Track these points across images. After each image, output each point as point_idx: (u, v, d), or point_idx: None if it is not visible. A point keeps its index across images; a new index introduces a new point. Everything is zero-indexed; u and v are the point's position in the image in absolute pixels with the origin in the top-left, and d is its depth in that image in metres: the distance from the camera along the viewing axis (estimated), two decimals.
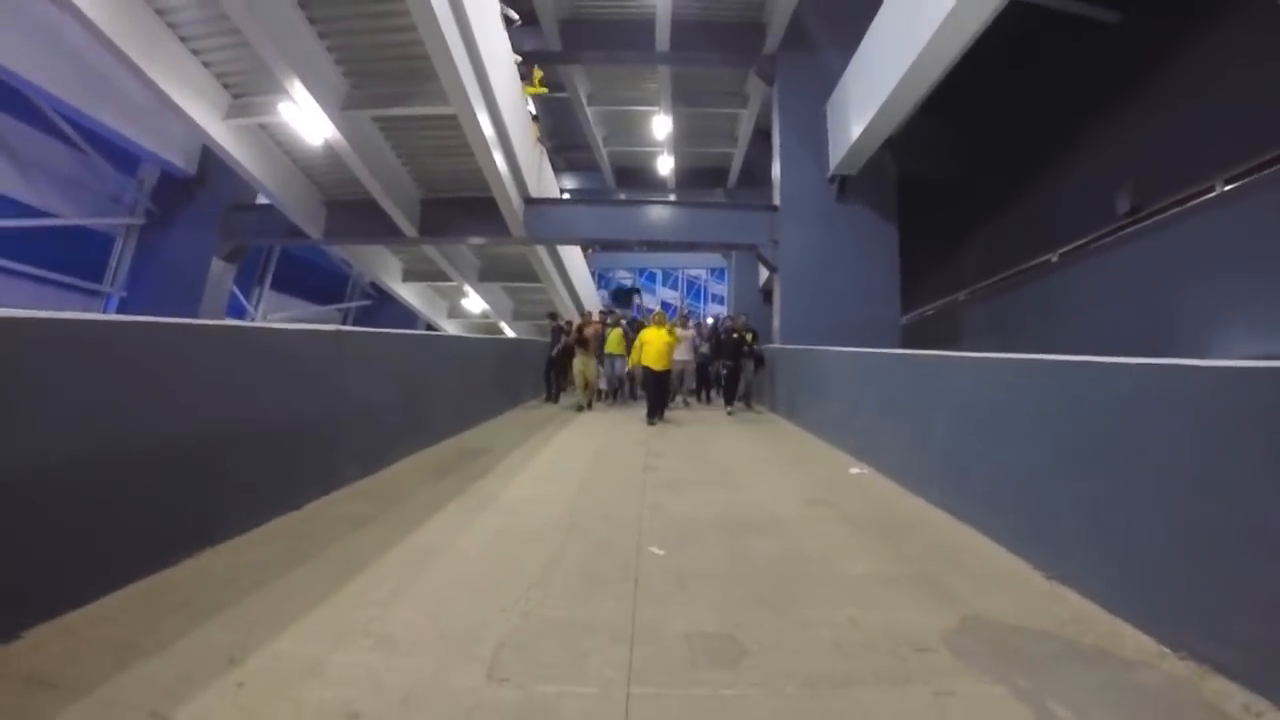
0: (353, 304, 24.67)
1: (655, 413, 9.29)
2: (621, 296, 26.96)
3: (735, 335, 11.26)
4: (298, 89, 9.56)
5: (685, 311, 19.29)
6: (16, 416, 2.27)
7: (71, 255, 15.18)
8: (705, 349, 12.72)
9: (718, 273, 39.62)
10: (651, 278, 42.44)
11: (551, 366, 11.93)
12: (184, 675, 2.07)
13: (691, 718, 2.00)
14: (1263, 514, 2.11)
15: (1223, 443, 2.31)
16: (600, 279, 33.62)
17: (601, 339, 11.51)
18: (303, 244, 17.36)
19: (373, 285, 23.47)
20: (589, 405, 10.87)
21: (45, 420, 2.38)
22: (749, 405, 11.82)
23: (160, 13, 10.00)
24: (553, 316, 13.28)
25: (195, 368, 3.18)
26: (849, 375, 7.49)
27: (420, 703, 2.02)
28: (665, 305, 44.04)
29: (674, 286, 47.07)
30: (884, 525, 4.12)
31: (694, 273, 45.69)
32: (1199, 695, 2.10)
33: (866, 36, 10.32)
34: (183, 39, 10.47)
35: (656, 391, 9.42)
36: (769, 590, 3.01)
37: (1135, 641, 2.49)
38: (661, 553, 3.48)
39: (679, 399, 11.87)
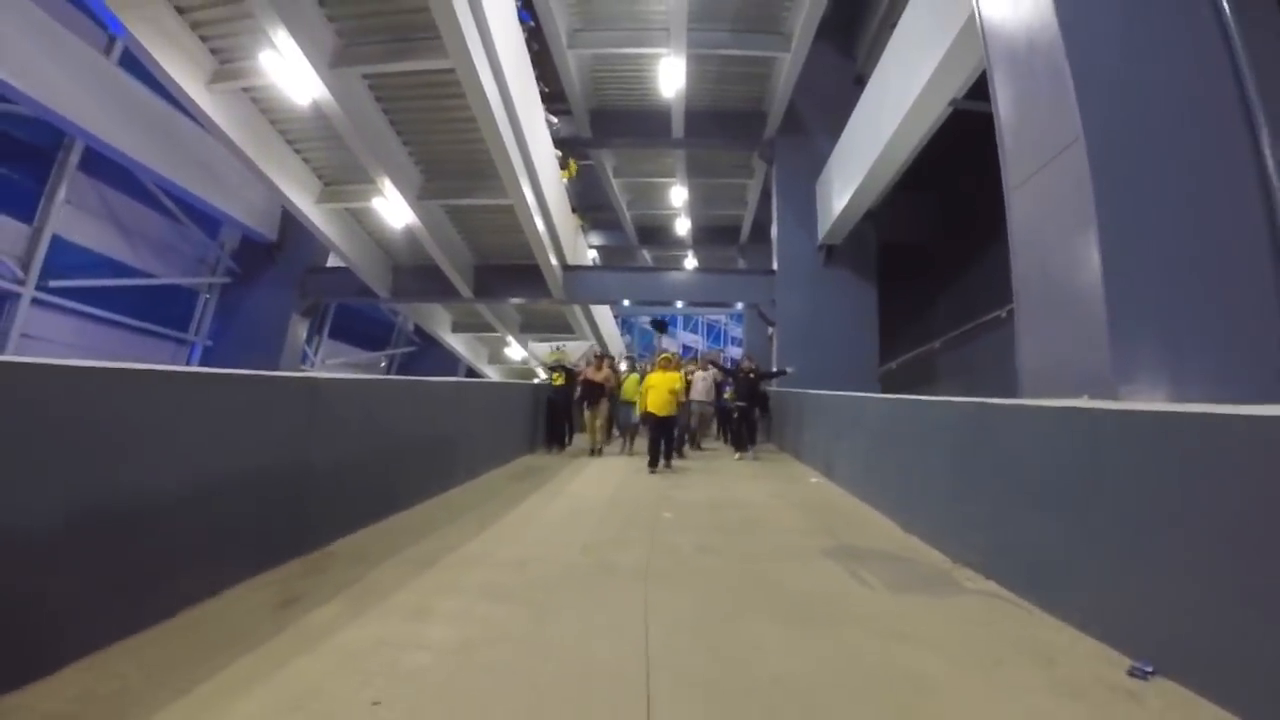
0: (398, 350, 27.21)
1: (656, 459, 8.78)
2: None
3: (751, 376, 10.91)
4: (385, 182, 12.09)
5: (709, 356, 20.77)
6: (324, 434, 4.48)
7: (163, 309, 17.80)
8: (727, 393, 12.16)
9: (736, 316, 41.71)
10: (674, 321, 44.72)
11: (555, 411, 11.02)
12: (429, 557, 4.22)
13: (682, 570, 4.11)
14: (980, 481, 4.23)
15: (960, 440, 4.45)
16: (624, 324, 35.81)
17: (612, 386, 11.03)
18: (370, 302, 19.87)
19: (416, 332, 26.05)
20: (600, 450, 10.60)
21: (345, 436, 4.59)
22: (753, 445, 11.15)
23: (273, 122, 12.65)
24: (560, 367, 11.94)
25: (406, 408, 5.45)
26: (814, 411, 9.61)
27: (549, 560, 4.17)
28: (685, 349, 46.31)
29: (694, 330, 49.45)
30: (817, 507, 6.24)
31: (714, 317, 48.10)
32: (946, 573, 4.15)
33: (847, 126, 12.55)
34: (289, 141, 13.12)
35: (659, 438, 8.91)
36: (733, 531, 5.16)
37: (930, 556, 4.54)
38: (670, 516, 5.64)
39: (696, 443, 11.65)
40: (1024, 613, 3.36)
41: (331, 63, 9.75)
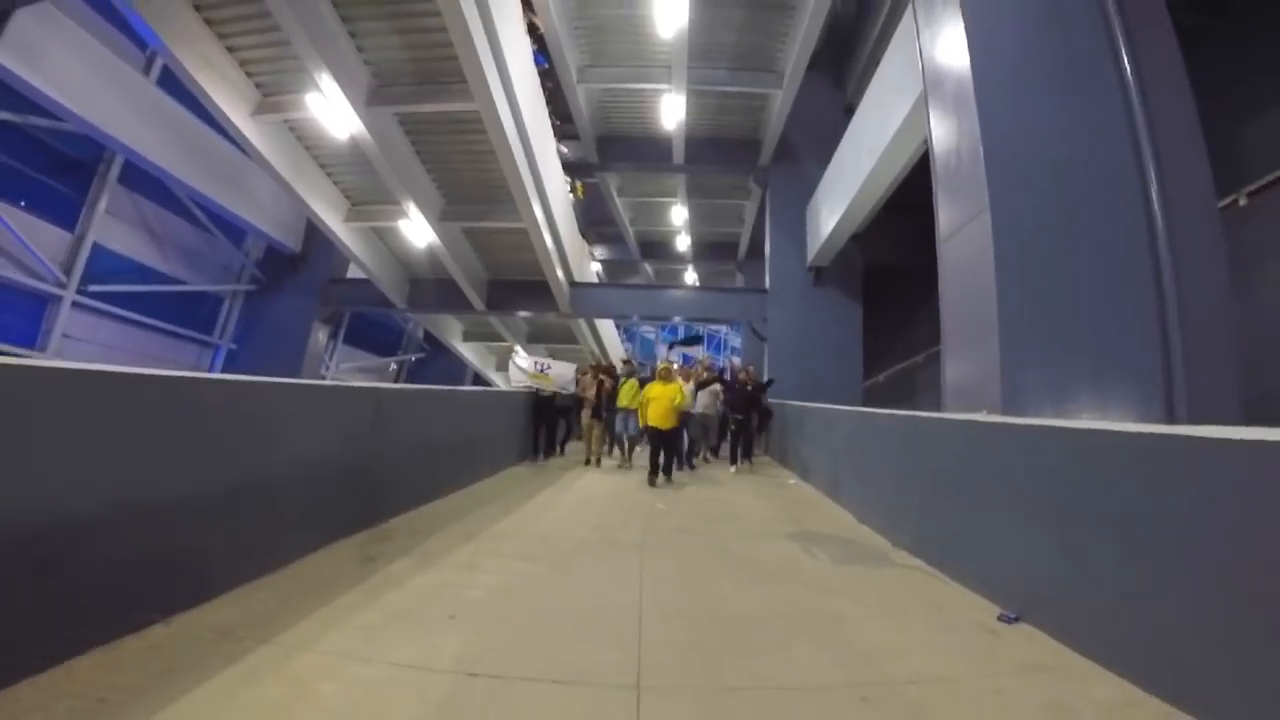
0: (407, 356, 28.28)
1: (657, 472, 8.52)
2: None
3: (748, 387, 10.74)
4: (410, 205, 13.18)
5: (708, 363, 21.58)
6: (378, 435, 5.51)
7: (189, 313, 18.90)
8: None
9: (737, 326, 42.73)
10: (673, 330, 45.65)
11: (542, 416, 10.57)
12: (469, 532, 5.23)
13: (669, 544, 5.12)
14: (912, 478, 5.25)
15: (900, 446, 5.47)
16: (626, 333, 36.80)
17: (610, 393, 10.49)
18: (388, 311, 20.95)
19: (425, 339, 27.16)
20: (597, 461, 10.18)
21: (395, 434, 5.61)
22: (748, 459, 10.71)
23: (308, 148, 13.75)
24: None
25: (442, 413, 6.49)
26: (794, 421, 10.60)
27: (565, 536, 5.18)
28: (686, 358, 47.18)
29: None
30: (790, 503, 7.26)
31: (715, 326, 49.10)
32: (884, 552, 5.15)
33: (834, 156, 13.57)
34: (321, 165, 14.22)
35: (659, 450, 8.70)
36: (714, 520, 6.19)
37: (875, 540, 5.55)
38: (663, 507, 6.67)
39: (701, 455, 11.16)
40: (934, 579, 4.37)
41: (367, 101, 10.85)
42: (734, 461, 10.44)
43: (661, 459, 8.63)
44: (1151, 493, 2.81)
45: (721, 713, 2.46)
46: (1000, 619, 3.60)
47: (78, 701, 2.22)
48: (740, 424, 10.48)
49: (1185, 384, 4.75)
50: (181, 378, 3.21)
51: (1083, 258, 4.94)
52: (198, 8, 10.62)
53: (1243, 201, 7.95)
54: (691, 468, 10.20)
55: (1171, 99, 5.55)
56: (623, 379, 10.49)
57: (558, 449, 10.97)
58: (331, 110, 11.02)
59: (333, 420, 4.59)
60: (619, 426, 10.33)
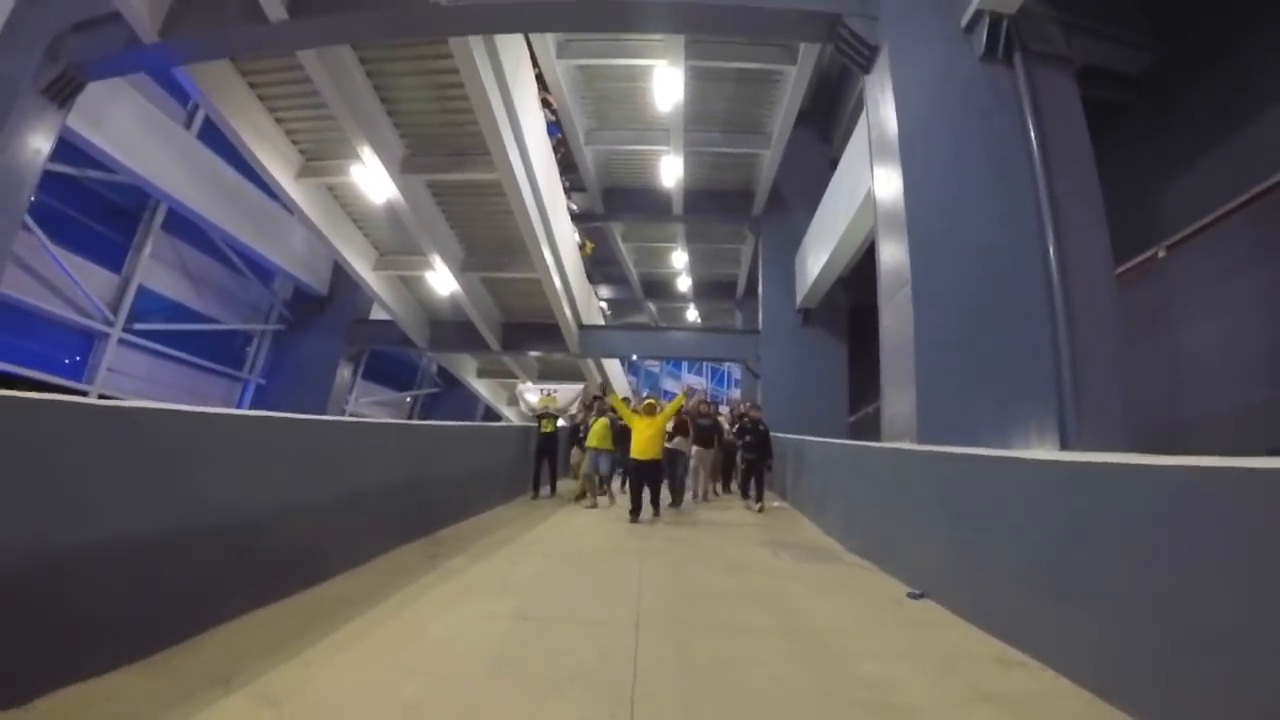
0: (421, 391, 29.65)
1: (639, 510, 8.25)
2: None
3: (760, 427, 10.39)
4: (435, 258, 14.66)
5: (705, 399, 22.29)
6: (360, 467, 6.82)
7: (221, 349, 20.30)
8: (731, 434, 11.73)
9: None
10: (677, 365, 47.10)
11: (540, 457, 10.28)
12: (503, 541, 6.51)
13: (664, 549, 6.39)
14: (859, 495, 6.55)
15: (851, 469, 6.77)
16: (631, 367, 38.12)
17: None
18: (409, 350, 22.38)
19: (439, 375, 28.58)
20: (592, 502, 9.52)
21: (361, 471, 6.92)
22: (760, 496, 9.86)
23: (343, 205, 15.31)
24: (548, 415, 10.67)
25: (474, 446, 7.78)
26: (779, 452, 11.84)
27: (580, 545, 6.47)
28: (690, 393, 48.38)
29: (699, 372, 51.76)
30: (769, 520, 8.53)
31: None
32: (838, 555, 6.40)
33: (818, 209, 14.89)
34: (354, 219, 15.76)
35: (641, 485, 8.36)
36: (702, 532, 7.45)
37: (834, 547, 6.77)
38: (661, 523, 7.94)
39: (699, 493, 10.62)
40: (870, 571, 5.63)
41: (401, 170, 12.40)
42: (745, 496, 10.18)
43: (646, 494, 8.41)
44: (1006, 499, 4.04)
45: (689, 639, 3.73)
46: (909, 595, 4.83)
47: (276, 633, 3.50)
48: (751, 464, 10.09)
49: (1076, 419, 6.10)
50: (314, 421, 4.55)
51: (992, 321, 6.32)
52: (252, 85, 12.21)
53: (1161, 254, 9.31)
54: (676, 505, 9.53)
55: (1077, 185, 7.01)
56: (593, 419, 9.99)
57: (548, 487, 10.38)
58: (369, 176, 12.54)
59: (402, 451, 5.92)
60: (588, 467, 9.71)
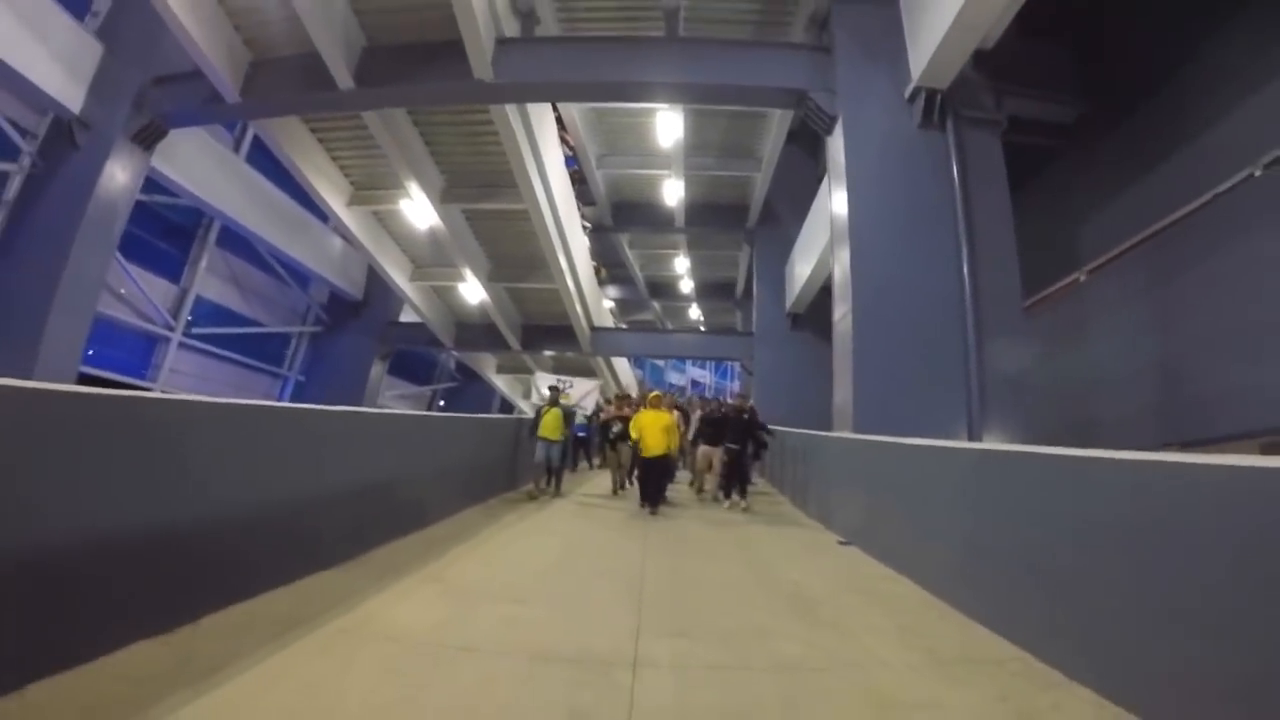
0: (440, 385, 31.69)
1: (649, 499, 8.66)
2: None
3: (745, 416, 9.75)
4: (466, 271, 16.68)
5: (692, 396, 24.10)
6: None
7: (262, 348, 22.35)
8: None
9: None
10: (680, 362, 48.96)
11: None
12: (540, 506, 8.49)
13: (663, 535, 8.37)
14: (821, 478, 8.53)
15: (806, 454, 8.75)
16: (637, 361, 39.90)
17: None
18: (436, 350, 24.45)
19: (457, 369, 30.65)
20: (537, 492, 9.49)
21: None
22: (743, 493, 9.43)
23: (385, 226, 17.34)
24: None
25: (484, 438, 9.75)
26: (774, 444, 13.79)
27: (585, 537, 8.36)
28: (695, 385, 50.56)
29: (702, 366, 53.60)
30: (771, 515, 10.48)
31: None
32: (799, 520, 8.41)
33: (805, 223, 16.59)
34: (394, 237, 17.80)
35: (650, 478, 8.84)
36: (705, 522, 9.42)
37: (797, 514, 8.80)
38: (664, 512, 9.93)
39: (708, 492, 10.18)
40: (818, 530, 7.66)
41: (441, 200, 14.40)
42: (727, 496, 9.39)
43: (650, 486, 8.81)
44: (907, 473, 5.91)
45: (679, 561, 5.72)
46: (840, 543, 6.80)
47: (415, 551, 5.48)
48: (734, 455, 9.40)
49: (981, 419, 8.06)
50: (428, 416, 6.52)
51: (916, 341, 8.29)
52: (313, 130, 14.22)
53: (1082, 278, 11.19)
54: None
55: (993, 231, 8.91)
56: (545, 408, 9.70)
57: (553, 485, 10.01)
58: (413, 206, 14.58)
59: (468, 436, 7.95)
60: (539, 454, 9.43)
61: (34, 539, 2.56)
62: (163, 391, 17.14)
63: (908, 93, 9.28)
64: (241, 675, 2.79)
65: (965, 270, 8.57)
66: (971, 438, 7.99)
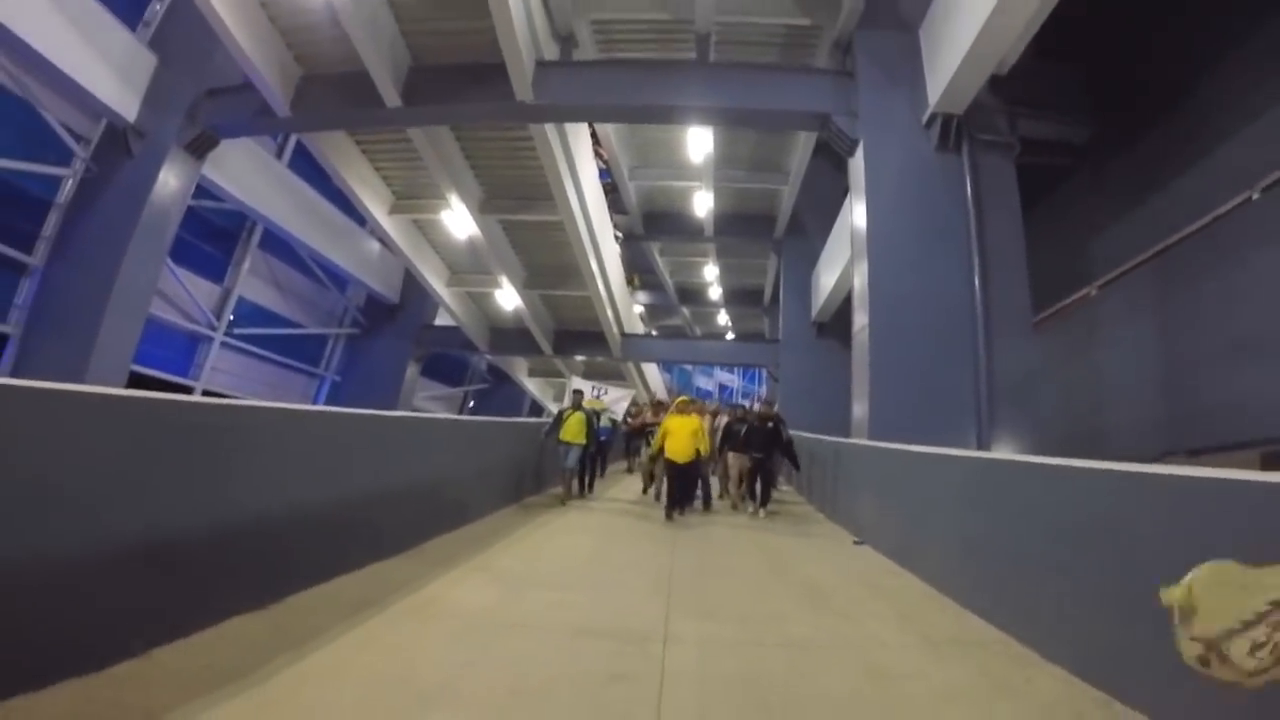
0: (472, 386, 32.43)
1: (675, 505, 8.60)
2: None
3: (770, 424, 9.33)
4: (502, 278, 17.35)
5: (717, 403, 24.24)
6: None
7: (299, 349, 23.13)
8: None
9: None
10: (708, 368, 49.32)
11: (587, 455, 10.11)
12: (574, 506, 9.04)
13: (687, 532, 8.86)
14: (838, 481, 8.99)
15: (833, 460, 9.20)
16: (665, 365, 40.41)
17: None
18: (470, 353, 25.21)
19: (489, 371, 31.37)
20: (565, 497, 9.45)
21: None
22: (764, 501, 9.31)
23: (424, 232, 18.07)
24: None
25: (517, 441, 10.31)
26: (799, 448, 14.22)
27: (617, 535, 8.85)
28: (723, 389, 50.94)
29: (730, 371, 53.86)
30: (792, 517, 10.93)
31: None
32: (819, 520, 8.85)
33: (831, 234, 17.07)
34: (432, 244, 18.53)
35: (678, 484, 8.75)
36: (728, 525, 9.91)
37: (818, 515, 9.23)
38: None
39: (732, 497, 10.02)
40: (836, 528, 8.06)
41: (480, 210, 15.06)
42: (755, 500, 9.29)
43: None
44: (913, 478, 6.42)
45: (704, 556, 6.22)
46: (855, 542, 7.23)
47: (459, 545, 6.04)
48: (758, 462, 9.27)
49: (990, 427, 8.47)
50: (474, 421, 7.09)
51: (930, 353, 8.71)
52: (358, 142, 14.95)
53: (1093, 293, 11.51)
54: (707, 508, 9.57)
55: (1005, 249, 9.30)
56: (568, 411, 9.64)
57: (587, 488, 10.45)
58: (453, 216, 15.25)
59: (503, 439, 8.52)
60: (570, 460, 9.42)
61: (159, 528, 3.03)
62: (203, 392, 18.03)
63: (925, 118, 9.71)
64: (333, 643, 3.28)
65: (977, 285, 8.98)
66: (980, 446, 8.39)
